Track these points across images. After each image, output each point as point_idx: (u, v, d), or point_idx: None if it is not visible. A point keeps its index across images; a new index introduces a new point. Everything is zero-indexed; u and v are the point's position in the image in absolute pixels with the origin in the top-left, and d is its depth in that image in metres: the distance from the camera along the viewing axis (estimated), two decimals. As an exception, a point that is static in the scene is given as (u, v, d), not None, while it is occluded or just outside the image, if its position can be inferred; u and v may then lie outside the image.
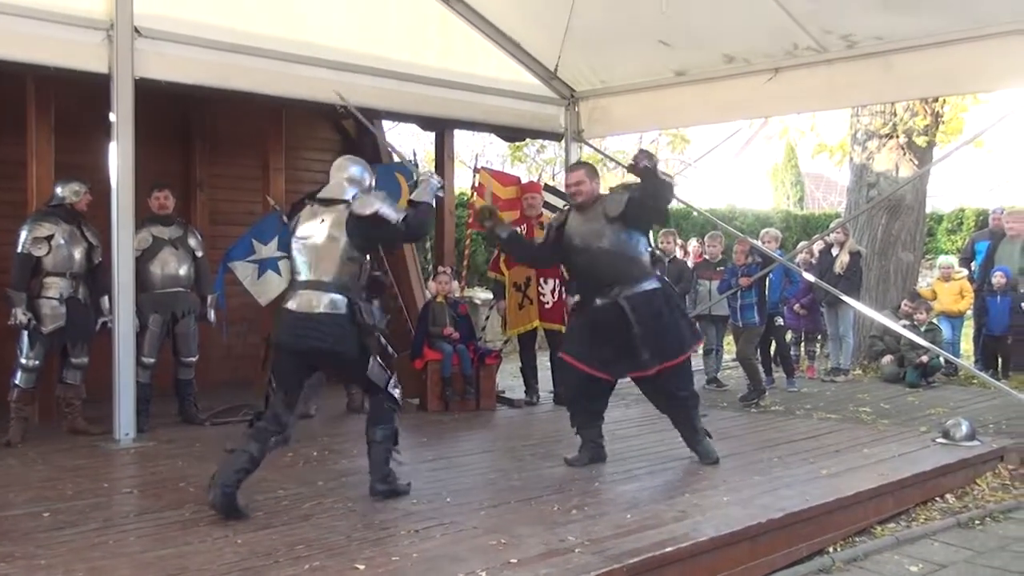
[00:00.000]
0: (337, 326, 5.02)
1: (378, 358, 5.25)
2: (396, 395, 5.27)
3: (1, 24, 6.30)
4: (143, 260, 7.38)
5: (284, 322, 5.13)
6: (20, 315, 6.75)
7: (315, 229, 5.16)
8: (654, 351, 5.93)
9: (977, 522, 5.62)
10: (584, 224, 6.17)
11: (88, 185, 7.13)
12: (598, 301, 6.06)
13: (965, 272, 11.53)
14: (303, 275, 5.15)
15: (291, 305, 5.10)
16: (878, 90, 8.20)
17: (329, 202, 5.22)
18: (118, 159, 6.71)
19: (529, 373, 9.10)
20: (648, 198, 5.95)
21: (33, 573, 3.98)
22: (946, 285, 11.30)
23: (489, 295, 12.10)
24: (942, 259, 12.29)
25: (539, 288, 8.81)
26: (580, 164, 6.92)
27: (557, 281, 8.83)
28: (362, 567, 4.06)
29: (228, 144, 9.83)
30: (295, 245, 5.24)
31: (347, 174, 5.33)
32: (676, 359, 6.05)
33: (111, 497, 5.39)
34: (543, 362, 9.31)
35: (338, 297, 5.04)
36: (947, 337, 10.93)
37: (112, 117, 6.69)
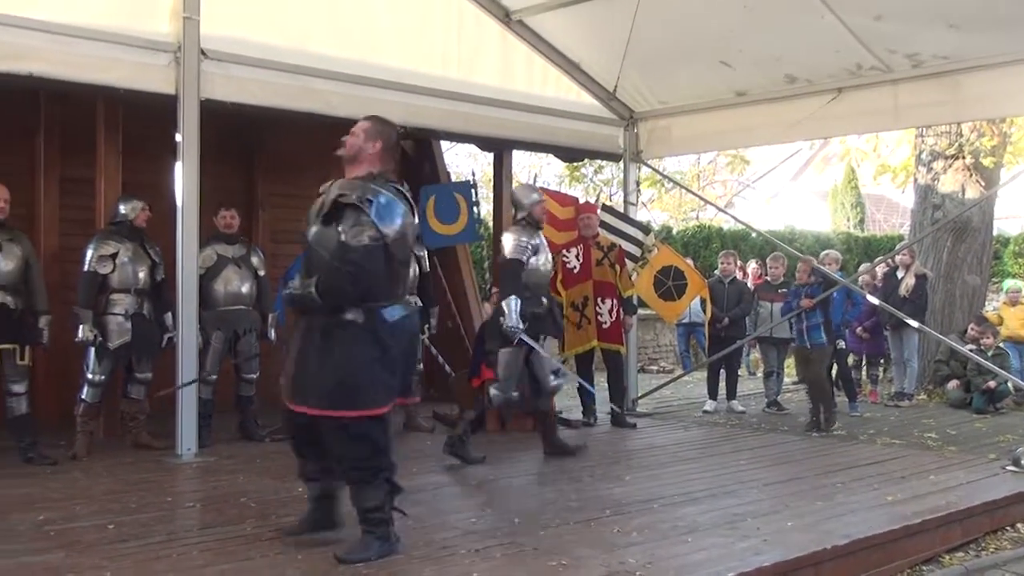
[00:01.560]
0: None
1: None
2: None
3: (73, 47, 6.46)
4: (207, 278, 7.50)
5: None
6: (87, 332, 6.90)
7: None
8: None
9: (1049, 552, 5.48)
10: None
11: (145, 202, 7.27)
12: None
13: None
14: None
15: None
16: (944, 110, 8.09)
17: None
18: (183, 178, 6.84)
19: (586, 393, 9.07)
20: None
21: (99, 585, 4.06)
22: (1013, 310, 11.09)
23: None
24: (1009, 283, 12.12)
25: (596, 308, 8.81)
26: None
27: (615, 300, 8.83)
28: (422, 586, 4.06)
29: (289, 164, 9.96)
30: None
31: None
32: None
33: (174, 511, 5.47)
34: (600, 383, 9.27)
35: None
36: (1015, 364, 10.69)
37: (178, 137, 6.82)
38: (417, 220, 4.81)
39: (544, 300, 7.20)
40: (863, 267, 11.75)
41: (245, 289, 7.77)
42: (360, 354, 4.33)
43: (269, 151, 9.94)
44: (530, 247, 7.04)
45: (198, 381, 6.91)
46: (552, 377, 7.19)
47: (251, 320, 7.81)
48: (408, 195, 4.65)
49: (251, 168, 9.92)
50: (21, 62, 6.30)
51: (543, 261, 7.19)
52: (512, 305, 6.78)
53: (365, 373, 4.33)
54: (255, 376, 7.87)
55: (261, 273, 7.94)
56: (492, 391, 6.93)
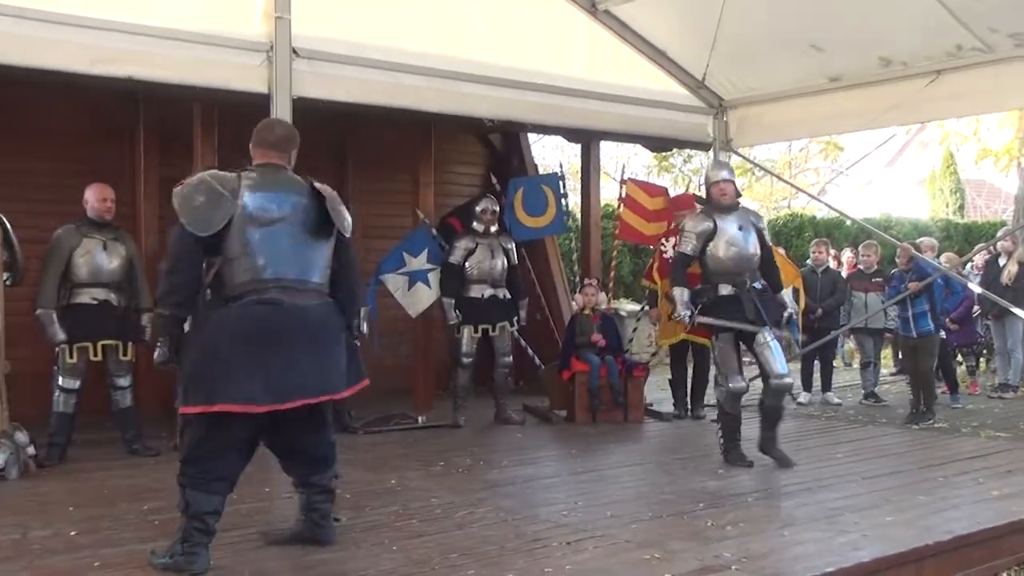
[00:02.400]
0: None
1: None
2: None
3: (169, 49, 6.61)
4: (299, 273, 7.62)
5: None
6: (186, 327, 7.07)
7: None
8: None
9: None
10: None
11: None
12: None
13: None
14: None
15: None
16: (1050, 90, 7.78)
17: None
18: (277, 176, 6.95)
19: (678, 386, 9.01)
20: None
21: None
22: None
23: (635, 307, 12.08)
24: None
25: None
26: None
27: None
28: (515, 577, 4.08)
29: (379, 160, 10.09)
30: None
31: None
32: None
33: (272, 501, 5.58)
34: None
35: None
36: None
37: (272, 136, 6.94)
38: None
39: (726, 287, 6.63)
40: (945, 256, 11.29)
41: (338, 284, 7.88)
42: None
43: (360, 147, 10.07)
44: (695, 235, 6.73)
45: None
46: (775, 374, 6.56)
47: (345, 314, 7.91)
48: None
49: (342, 164, 10.07)
50: (119, 65, 6.46)
51: (724, 244, 6.67)
52: (676, 295, 6.74)
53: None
54: (348, 369, 7.97)
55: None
56: (714, 387, 6.88)
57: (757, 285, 6.70)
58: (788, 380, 6.58)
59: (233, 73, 6.86)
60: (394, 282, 8.63)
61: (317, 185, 4.44)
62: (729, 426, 6.65)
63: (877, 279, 9.94)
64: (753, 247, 6.72)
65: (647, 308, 9.52)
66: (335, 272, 4.39)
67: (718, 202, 6.82)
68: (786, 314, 6.82)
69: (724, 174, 6.90)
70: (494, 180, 9.86)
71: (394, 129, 9.35)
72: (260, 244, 4.18)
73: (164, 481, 5.92)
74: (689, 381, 9.06)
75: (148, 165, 8.74)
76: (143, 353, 7.42)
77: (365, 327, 8.05)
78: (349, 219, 4.47)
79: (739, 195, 6.95)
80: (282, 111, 6.90)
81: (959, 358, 11.09)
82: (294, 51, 6.98)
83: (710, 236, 6.68)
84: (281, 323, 4.14)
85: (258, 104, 6.92)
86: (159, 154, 8.78)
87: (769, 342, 6.55)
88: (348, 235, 4.44)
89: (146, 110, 8.66)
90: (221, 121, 8.03)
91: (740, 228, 6.72)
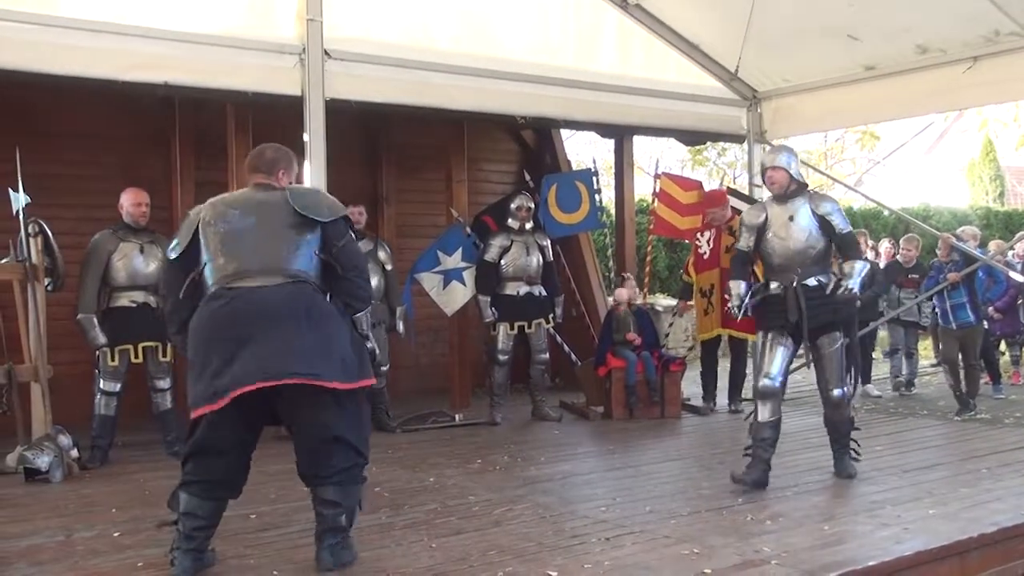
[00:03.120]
0: None
1: None
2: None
3: (204, 54, 6.69)
4: (337, 273, 7.67)
5: None
6: None
7: None
8: None
9: None
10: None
11: None
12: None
13: None
14: None
15: None
16: (1091, 74, 7.65)
17: None
18: (311, 177, 6.98)
19: (708, 380, 8.96)
20: None
21: (244, 572, 4.21)
22: None
23: (671, 302, 12.03)
24: None
25: (725, 295, 8.66)
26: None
27: (743, 287, 8.69)
28: (554, 574, 4.07)
29: (412, 159, 10.12)
30: None
31: None
32: None
33: (311, 501, 5.60)
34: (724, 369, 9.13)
35: None
36: None
37: (305, 137, 6.99)
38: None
39: (775, 283, 5.97)
40: (994, 243, 11.11)
41: (373, 283, 7.90)
42: None
43: (393, 146, 10.11)
44: (746, 228, 6.13)
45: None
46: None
47: (380, 313, 7.95)
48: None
49: (376, 164, 10.11)
50: (156, 71, 6.55)
51: (772, 237, 5.99)
52: (731, 287, 6.22)
53: None
54: (386, 368, 8.02)
55: (388, 267, 8.09)
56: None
57: (812, 281, 5.88)
58: (837, 393, 5.85)
59: (266, 76, 6.92)
60: (429, 281, 8.66)
61: (293, 186, 4.45)
62: (756, 434, 5.85)
63: (913, 275, 9.81)
64: (805, 239, 5.91)
65: (679, 302, 9.48)
66: (324, 263, 4.24)
67: (770, 191, 6.24)
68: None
69: (773, 160, 6.11)
70: (527, 177, 9.85)
71: (426, 128, 9.37)
72: (223, 246, 4.16)
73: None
74: (728, 376, 9.00)
75: (184, 169, 8.83)
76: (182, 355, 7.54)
77: (402, 326, 8.12)
78: (331, 206, 4.32)
79: (796, 183, 6.00)
80: (315, 113, 6.96)
81: (1002, 348, 10.93)
82: (326, 53, 7.04)
83: (762, 228, 6.05)
84: (237, 311, 4.03)
85: (292, 106, 6.99)
86: (195, 158, 8.86)
87: (823, 351, 5.90)
88: (326, 219, 4.24)
89: (182, 114, 8.74)
90: (255, 124, 8.09)
91: (791, 218, 5.95)
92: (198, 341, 4.10)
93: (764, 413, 5.83)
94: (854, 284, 5.86)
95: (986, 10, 7.27)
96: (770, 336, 5.98)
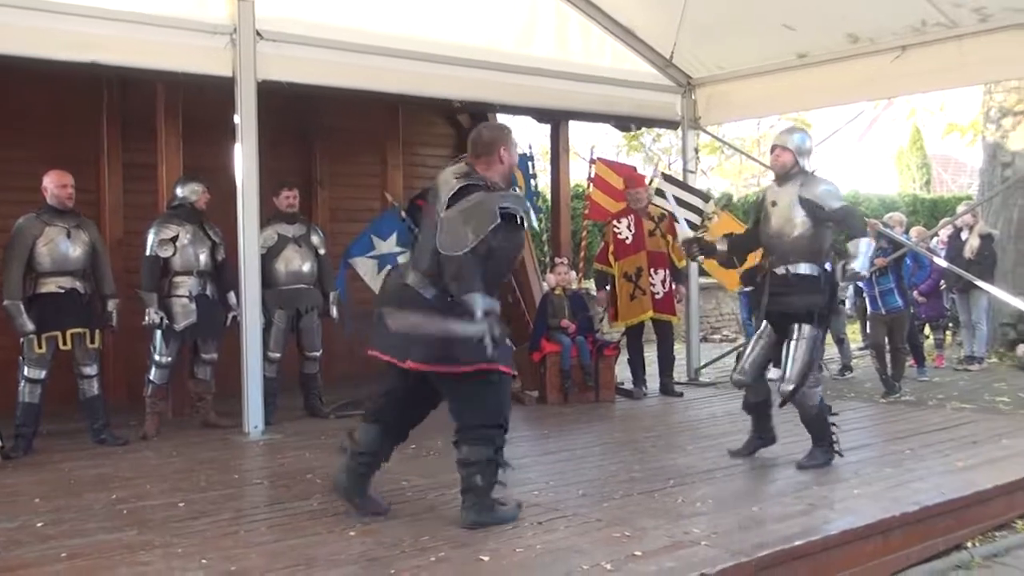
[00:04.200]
0: None
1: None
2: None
3: (133, 34, 6.55)
4: (268, 257, 7.58)
5: None
6: (152, 315, 7.03)
7: None
8: None
9: None
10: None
11: (206, 184, 7.35)
12: None
13: None
14: None
15: None
16: (1012, 65, 7.86)
17: None
18: (243, 160, 6.91)
19: (637, 364, 9.02)
20: None
21: (171, 560, 4.13)
22: None
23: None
24: None
25: (650, 278, 8.77)
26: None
27: (667, 271, 8.81)
28: (487, 558, 4.08)
29: (346, 142, 10.01)
30: None
31: None
32: None
33: (242, 488, 5.57)
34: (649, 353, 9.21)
35: None
36: None
37: (236, 119, 6.89)
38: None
39: (765, 268, 5.91)
40: (915, 230, 11.34)
41: (306, 268, 7.84)
42: None
43: (327, 130, 9.99)
44: (752, 209, 6.18)
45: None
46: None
47: (313, 298, 7.88)
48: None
49: (309, 147, 9.99)
50: (84, 50, 6.40)
51: (763, 220, 5.94)
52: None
53: None
54: (318, 354, 7.95)
55: (321, 252, 8.00)
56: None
57: (781, 270, 5.75)
58: (786, 388, 5.66)
59: (197, 56, 6.81)
60: (364, 265, 8.58)
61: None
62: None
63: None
64: (781, 225, 5.76)
65: (595, 293, 9.47)
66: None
67: (771, 168, 6.09)
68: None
69: (783, 140, 5.95)
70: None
71: (361, 111, 9.29)
72: None
73: (132, 470, 5.93)
74: (657, 360, 9.06)
75: (112, 151, 8.62)
76: (110, 341, 7.40)
77: (335, 311, 8.05)
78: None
79: (798, 167, 5.85)
80: (247, 94, 6.87)
81: (927, 331, 11.19)
82: (258, 33, 6.95)
83: (759, 210, 6.00)
84: None
85: (223, 87, 6.88)
86: (123, 140, 8.66)
87: (789, 343, 5.72)
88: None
89: (110, 95, 8.54)
90: (186, 105, 7.95)
91: (774, 203, 5.83)
92: None
93: (747, 403, 6.10)
94: (860, 266, 5.61)
95: (915, 1, 7.41)
96: (762, 326, 6.00)
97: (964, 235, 10.53)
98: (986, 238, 10.40)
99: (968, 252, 10.28)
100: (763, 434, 6.10)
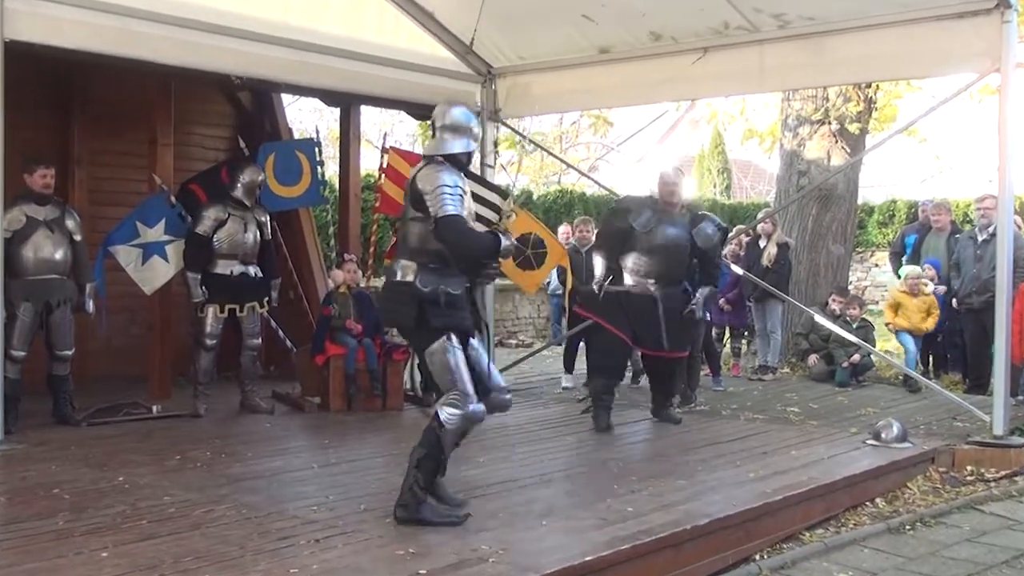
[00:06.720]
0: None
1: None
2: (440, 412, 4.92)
3: None
4: (14, 242, 7.15)
5: None
6: None
7: None
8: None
9: (908, 527, 5.75)
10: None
11: None
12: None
13: (932, 285, 10.61)
14: None
15: None
16: (809, 74, 8.37)
17: None
18: (-16, 131, 6.49)
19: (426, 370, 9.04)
20: None
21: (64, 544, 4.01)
22: (915, 300, 10.43)
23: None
24: (908, 269, 10.90)
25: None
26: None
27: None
28: (258, 581, 4.00)
29: (111, 116, 9.57)
30: None
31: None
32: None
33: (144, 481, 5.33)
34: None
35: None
36: (912, 353, 10.46)
37: (-22, 84, 6.47)
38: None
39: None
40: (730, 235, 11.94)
41: (59, 256, 7.44)
42: None
43: (88, 101, 9.52)
44: None
45: None
46: None
47: (66, 290, 7.49)
48: None
49: (67, 120, 9.48)
50: None
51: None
52: None
53: None
54: (70, 353, 7.56)
55: (77, 238, 7.61)
56: None
57: None
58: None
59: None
60: (126, 255, 8.22)
61: None
62: None
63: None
64: None
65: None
66: None
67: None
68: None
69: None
70: (242, 144, 9.56)
71: (128, 82, 8.91)
72: None
73: None
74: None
75: None
76: None
77: (91, 305, 7.69)
78: None
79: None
80: (-9, 56, 6.45)
81: (726, 340, 11.72)
82: (6, -13, 6.54)
83: None
84: None
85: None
86: None
87: None
88: None
89: None
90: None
91: None
92: None
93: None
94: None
95: (717, 2, 7.78)
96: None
97: (762, 243, 11.10)
98: (783, 247, 11.00)
99: (766, 260, 10.84)
100: None
